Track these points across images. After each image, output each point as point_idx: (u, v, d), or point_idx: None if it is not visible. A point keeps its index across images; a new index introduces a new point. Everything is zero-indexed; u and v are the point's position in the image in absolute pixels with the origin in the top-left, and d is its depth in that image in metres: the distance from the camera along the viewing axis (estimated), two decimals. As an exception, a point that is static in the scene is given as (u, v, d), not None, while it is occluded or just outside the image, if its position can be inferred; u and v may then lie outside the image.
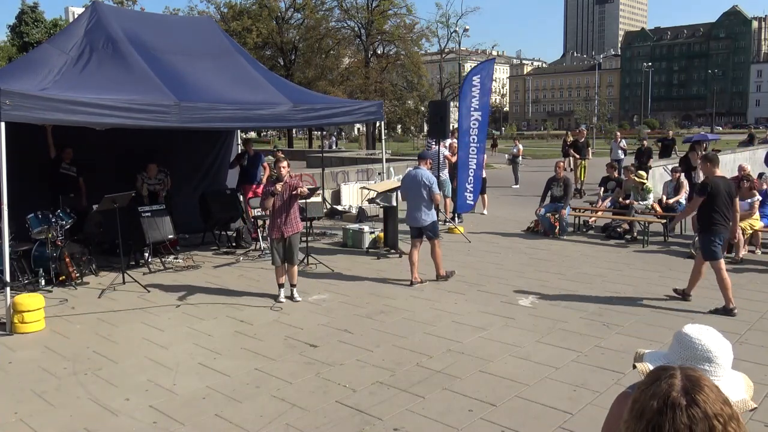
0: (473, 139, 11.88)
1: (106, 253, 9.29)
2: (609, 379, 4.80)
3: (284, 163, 7.09)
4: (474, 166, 11.97)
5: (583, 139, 18.29)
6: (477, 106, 11.81)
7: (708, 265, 6.74)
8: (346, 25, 41.34)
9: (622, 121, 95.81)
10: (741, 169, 10.28)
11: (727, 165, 18.43)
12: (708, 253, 6.65)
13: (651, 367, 1.62)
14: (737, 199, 6.93)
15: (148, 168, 9.81)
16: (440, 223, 9.45)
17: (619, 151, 18.30)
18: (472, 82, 11.87)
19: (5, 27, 51.53)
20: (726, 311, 6.45)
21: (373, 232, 10.23)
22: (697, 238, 9.21)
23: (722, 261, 6.63)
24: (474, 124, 11.83)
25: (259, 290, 7.64)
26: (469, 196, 12.04)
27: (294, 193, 7.03)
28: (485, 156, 12.71)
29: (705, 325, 1.71)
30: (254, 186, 11.08)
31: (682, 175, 11.56)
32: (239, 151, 11.91)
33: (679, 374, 1.24)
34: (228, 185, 11.73)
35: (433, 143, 11.97)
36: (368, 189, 10.78)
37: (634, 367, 1.74)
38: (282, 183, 6.95)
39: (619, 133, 21.12)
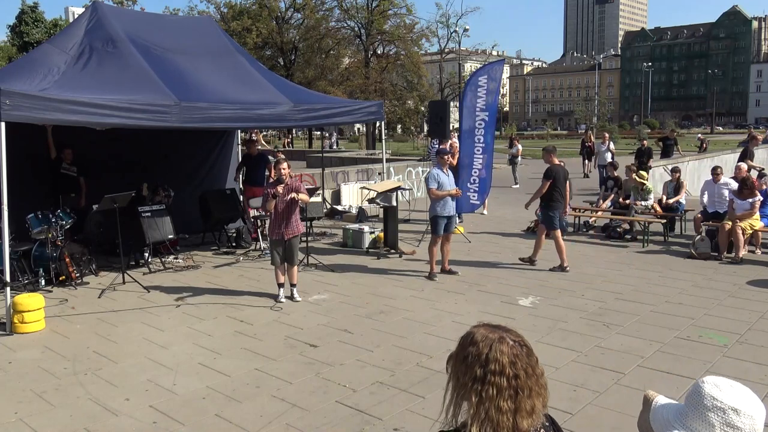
0: (478, 139, 11.82)
1: (106, 253, 9.27)
2: (609, 379, 4.80)
3: (284, 165, 7.08)
4: (479, 167, 11.89)
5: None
6: (483, 107, 11.73)
7: (555, 235, 8.47)
8: (346, 25, 41.30)
9: (622, 121, 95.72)
10: (738, 169, 10.22)
11: (727, 164, 18.39)
12: (549, 223, 8.50)
13: (659, 401, 1.55)
14: (569, 182, 8.74)
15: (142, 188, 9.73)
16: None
17: (608, 154, 17.89)
18: (478, 83, 11.80)
19: (5, 27, 51.48)
20: (561, 269, 8.43)
21: (373, 232, 10.23)
22: (697, 238, 9.32)
23: (559, 231, 8.51)
24: (480, 124, 11.76)
25: (259, 290, 7.64)
26: (473, 197, 12.00)
27: (294, 199, 7.01)
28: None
29: (730, 380, 1.43)
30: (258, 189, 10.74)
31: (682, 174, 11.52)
32: (240, 157, 11.69)
33: (481, 327, 1.60)
34: (228, 185, 11.72)
35: (437, 144, 11.92)
36: (368, 189, 10.78)
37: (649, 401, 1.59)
38: (283, 185, 6.94)
39: (607, 134, 21.00)
